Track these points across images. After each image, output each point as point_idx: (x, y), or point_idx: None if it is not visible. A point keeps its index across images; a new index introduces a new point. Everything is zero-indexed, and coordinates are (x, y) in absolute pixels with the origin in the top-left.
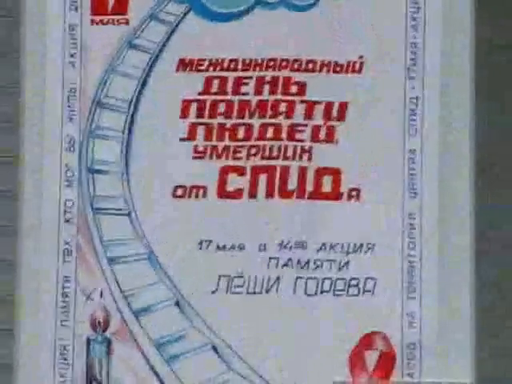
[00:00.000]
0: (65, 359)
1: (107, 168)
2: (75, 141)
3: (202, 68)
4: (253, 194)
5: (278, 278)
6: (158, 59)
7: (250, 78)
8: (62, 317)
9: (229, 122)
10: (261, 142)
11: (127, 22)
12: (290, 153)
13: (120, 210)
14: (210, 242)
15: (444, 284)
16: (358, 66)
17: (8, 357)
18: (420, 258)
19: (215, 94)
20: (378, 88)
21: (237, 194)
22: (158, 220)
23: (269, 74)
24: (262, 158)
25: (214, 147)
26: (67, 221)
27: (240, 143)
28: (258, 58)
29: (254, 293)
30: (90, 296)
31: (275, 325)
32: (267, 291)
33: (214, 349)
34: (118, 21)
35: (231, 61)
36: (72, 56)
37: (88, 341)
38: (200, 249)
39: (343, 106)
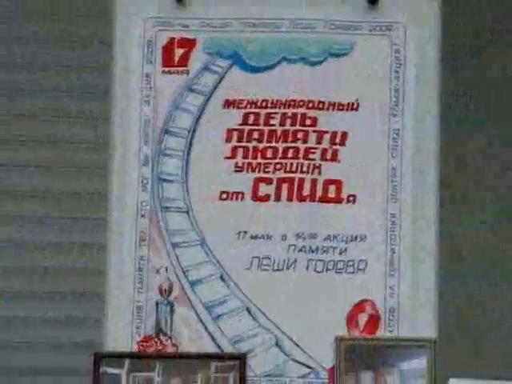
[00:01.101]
0: (140, 317)
1: (171, 178)
2: (149, 158)
3: (242, 106)
4: (277, 198)
5: (295, 260)
6: (209, 100)
7: (276, 113)
8: (138, 286)
9: (260, 146)
10: (283, 160)
11: (188, 72)
12: (305, 168)
13: (180, 208)
14: (246, 232)
15: (415, 265)
16: (355, 105)
17: (100, 314)
18: (399, 246)
19: (251, 125)
20: (369, 122)
21: (265, 198)
22: (208, 216)
23: (290, 111)
24: (285, 171)
25: (250, 164)
26: (142, 216)
27: (268, 161)
28: (283, 99)
29: (278, 270)
30: (159, 271)
31: (292, 293)
32: (287, 268)
33: (248, 310)
34: (181, 71)
35: (263, 101)
36: (147, 96)
37: (156, 303)
38: (238, 238)
39: (344, 135)
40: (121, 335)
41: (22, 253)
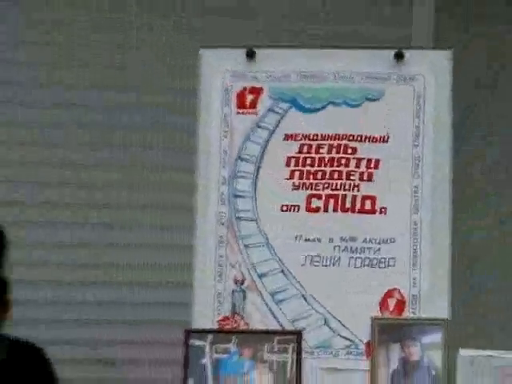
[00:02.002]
0: (219, 301)
1: (243, 194)
2: (226, 179)
3: (298, 139)
4: (325, 210)
5: (339, 258)
6: (273, 134)
7: (325, 144)
8: (218, 278)
9: (312, 169)
10: (330, 181)
11: (256, 113)
12: (347, 187)
13: (250, 218)
14: (301, 236)
15: (433, 262)
16: (386, 138)
17: (189, 300)
18: (420, 247)
19: (305, 153)
20: (397, 151)
21: (316, 209)
22: (271, 224)
23: (335, 143)
24: (331, 189)
25: (304, 183)
26: (222, 224)
27: (318, 181)
28: (330, 133)
29: (325, 265)
30: (234, 266)
31: (337, 283)
32: (333, 265)
33: (303, 297)
34: (251, 112)
35: (314, 135)
36: (225, 132)
37: (232, 291)
38: (295, 240)
39: (377, 161)
40: (204, 316)
41: (128, 252)
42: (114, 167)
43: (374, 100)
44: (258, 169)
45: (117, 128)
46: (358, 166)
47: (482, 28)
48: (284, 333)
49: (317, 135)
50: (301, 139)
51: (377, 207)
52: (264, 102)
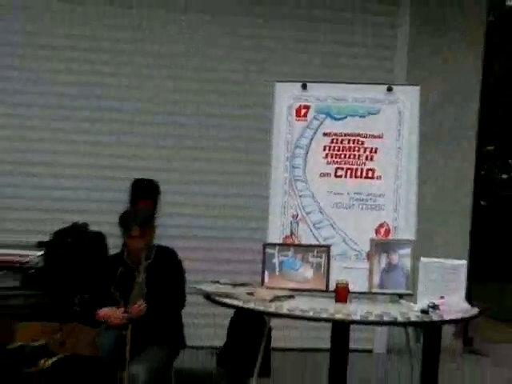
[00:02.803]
0: (283, 227)
1: (298, 166)
2: (288, 158)
3: (330, 135)
4: (345, 176)
5: (353, 204)
6: (316, 132)
7: (346, 139)
8: (283, 214)
9: (338, 152)
10: (348, 159)
11: (307, 120)
12: (358, 163)
13: (302, 180)
14: (331, 191)
15: (406, 207)
16: (381, 136)
17: (266, 226)
18: (399, 199)
19: (334, 143)
20: (387, 143)
21: (340, 176)
22: (314, 184)
23: (351, 138)
24: (349, 164)
25: (333, 160)
26: (285, 183)
27: (342, 159)
28: (348, 132)
29: (345, 208)
30: (292, 207)
31: (352, 219)
32: (349, 208)
33: (331, 225)
34: (303, 120)
35: (339, 133)
36: (289, 131)
37: (290, 222)
38: (328, 194)
39: (376, 149)
40: (275, 236)
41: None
42: (228, 149)
43: (375, 114)
44: (307, 152)
45: (224, 130)
46: (364, 151)
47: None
48: (320, 246)
49: (341, 133)
50: (332, 135)
51: (375, 175)
52: (311, 113)
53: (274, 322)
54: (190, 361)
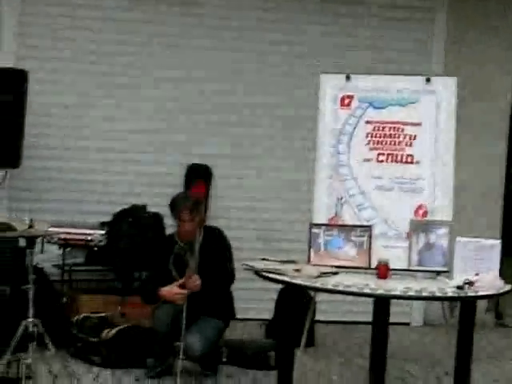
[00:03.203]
0: (329, 209)
1: (343, 152)
2: (334, 144)
3: (372, 122)
4: (386, 161)
5: (393, 187)
6: (359, 120)
7: (387, 126)
8: (328, 196)
9: (380, 139)
10: (389, 146)
11: (351, 109)
12: (398, 149)
13: (346, 164)
14: (373, 174)
15: (443, 190)
16: (420, 123)
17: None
18: (436, 183)
19: (377, 130)
20: (425, 130)
21: (381, 160)
22: (357, 168)
23: (392, 125)
24: (390, 150)
25: (375, 147)
26: (330, 167)
27: (383, 145)
28: (389, 120)
29: (386, 190)
30: (336, 190)
31: (392, 201)
32: (390, 191)
33: (372, 208)
34: (347, 108)
35: (381, 121)
36: (334, 119)
37: (336, 204)
38: (370, 177)
39: (415, 136)
40: (320, 216)
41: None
42: (276, 137)
43: (414, 103)
44: (350, 139)
45: (273, 118)
46: (404, 138)
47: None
48: (362, 226)
49: (382, 121)
50: (374, 123)
51: (414, 160)
52: (355, 103)
53: (318, 297)
54: (241, 332)
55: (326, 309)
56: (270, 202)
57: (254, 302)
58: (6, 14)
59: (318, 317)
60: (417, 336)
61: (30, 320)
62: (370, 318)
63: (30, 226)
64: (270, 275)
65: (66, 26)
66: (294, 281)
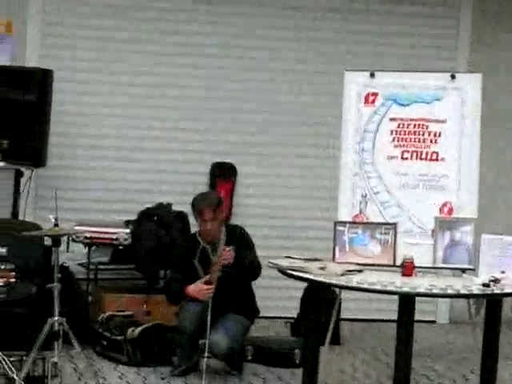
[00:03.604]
0: (353, 207)
1: (367, 150)
2: (358, 141)
3: (397, 120)
4: (411, 158)
5: (418, 184)
6: (383, 117)
7: (411, 123)
8: (352, 193)
9: (404, 136)
10: (414, 143)
11: (375, 106)
12: (423, 146)
13: (370, 162)
14: (398, 172)
15: (469, 188)
16: (445, 120)
17: (337, 205)
18: (461, 180)
19: (401, 128)
20: (450, 127)
21: (406, 158)
22: (381, 165)
23: (417, 122)
24: (415, 147)
25: (400, 144)
26: (354, 165)
27: (408, 143)
28: (414, 117)
29: (411, 188)
30: (361, 187)
31: (417, 198)
32: (415, 188)
33: (398, 205)
34: (371, 106)
35: (406, 118)
36: (357, 117)
37: (360, 202)
38: (395, 174)
39: (440, 133)
40: (345, 214)
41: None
42: (300, 134)
43: (439, 100)
44: (375, 136)
45: (296, 116)
46: (429, 135)
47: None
48: (387, 224)
49: (407, 118)
50: (398, 120)
51: (439, 157)
52: (379, 100)
53: (343, 295)
54: (266, 330)
55: (351, 307)
56: (295, 199)
57: (279, 300)
58: (31, 13)
59: (344, 315)
60: (442, 334)
61: (56, 318)
62: (395, 316)
63: (56, 225)
64: (295, 273)
65: (91, 25)
66: (318, 278)
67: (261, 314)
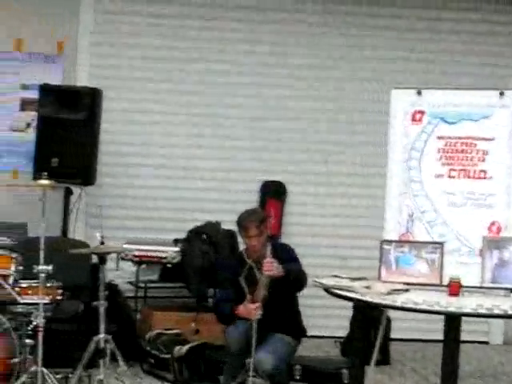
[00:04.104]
0: (400, 225)
1: (414, 168)
2: (405, 159)
3: (444, 138)
4: (458, 177)
5: (466, 203)
6: (430, 135)
7: (459, 142)
8: (398, 213)
9: (451, 155)
10: (461, 161)
11: (422, 124)
12: (470, 165)
13: (418, 180)
14: (445, 190)
15: None
16: (492, 138)
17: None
18: (510, 199)
19: (448, 146)
20: (499, 145)
21: (453, 176)
22: (429, 184)
23: (465, 140)
24: (462, 166)
25: (447, 162)
26: (402, 184)
27: (454, 161)
28: (462, 135)
29: (458, 207)
30: (408, 206)
31: (465, 217)
32: (462, 206)
33: (445, 224)
34: (418, 124)
35: (453, 136)
36: (404, 134)
37: (407, 220)
38: (442, 193)
39: (488, 151)
40: (391, 233)
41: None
42: (347, 153)
43: (488, 117)
44: (421, 154)
45: (343, 135)
46: (477, 153)
47: None
48: (434, 243)
49: (454, 136)
50: (445, 138)
51: (486, 176)
52: (426, 118)
53: (393, 314)
54: (316, 350)
55: (402, 326)
56: (343, 218)
57: (330, 320)
58: (81, 34)
59: (395, 335)
60: (495, 355)
61: (101, 336)
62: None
63: (102, 243)
64: (340, 292)
65: (138, 45)
66: (363, 298)
67: (311, 333)
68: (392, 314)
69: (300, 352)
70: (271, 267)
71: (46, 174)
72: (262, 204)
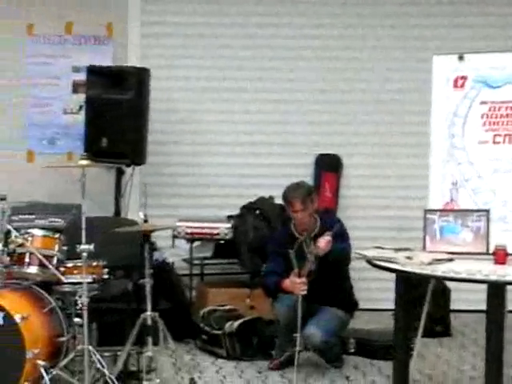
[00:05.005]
0: (443, 194)
1: (457, 135)
2: (448, 126)
3: (487, 102)
4: (503, 142)
5: (510, 170)
6: (473, 101)
7: (503, 106)
8: (442, 181)
9: (496, 120)
10: (506, 126)
11: (464, 90)
12: None
13: (461, 148)
14: (489, 157)
15: None
16: None
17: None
18: None
19: (492, 111)
20: None
21: (498, 142)
22: (473, 151)
23: (509, 105)
24: (507, 131)
25: (491, 128)
26: (445, 151)
27: (499, 126)
28: (506, 99)
29: (504, 173)
30: (451, 175)
31: (508, 184)
32: (508, 172)
33: (491, 191)
34: (461, 89)
35: (497, 101)
36: (447, 100)
37: (450, 189)
38: (488, 160)
39: None
40: (435, 202)
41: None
42: (392, 123)
43: None
44: (465, 121)
45: (388, 104)
46: None
47: None
48: (479, 210)
49: (499, 101)
50: (489, 103)
51: None
52: (468, 83)
53: (452, 285)
54: (375, 323)
55: (464, 297)
56: (388, 189)
57: (386, 293)
58: (130, 15)
59: (457, 306)
60: None
61: (149, 314)
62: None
63: (145, 221)
64: (380, 263)
65: (188, 23)
66: (403, 268)
67: (367, 307)
68: (451, 284)
69: (356, 325)
70: (327, 246)
71: (85, 154)
72: (317, 178)
